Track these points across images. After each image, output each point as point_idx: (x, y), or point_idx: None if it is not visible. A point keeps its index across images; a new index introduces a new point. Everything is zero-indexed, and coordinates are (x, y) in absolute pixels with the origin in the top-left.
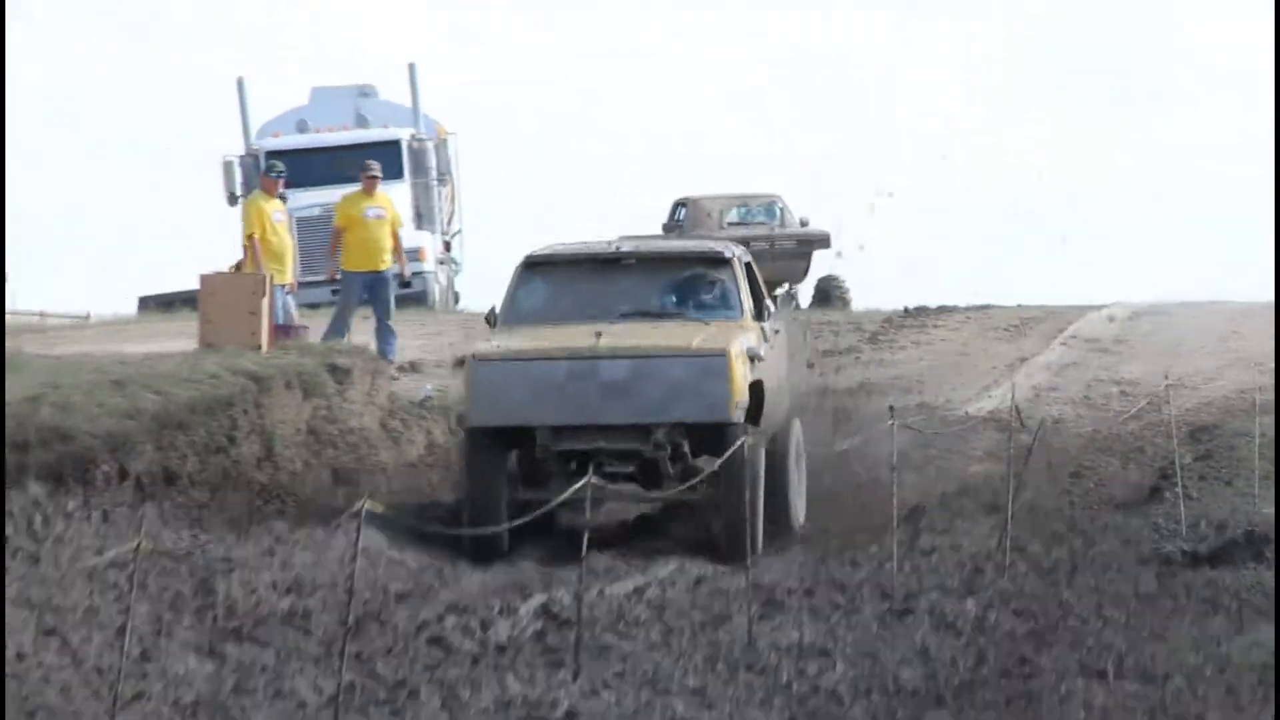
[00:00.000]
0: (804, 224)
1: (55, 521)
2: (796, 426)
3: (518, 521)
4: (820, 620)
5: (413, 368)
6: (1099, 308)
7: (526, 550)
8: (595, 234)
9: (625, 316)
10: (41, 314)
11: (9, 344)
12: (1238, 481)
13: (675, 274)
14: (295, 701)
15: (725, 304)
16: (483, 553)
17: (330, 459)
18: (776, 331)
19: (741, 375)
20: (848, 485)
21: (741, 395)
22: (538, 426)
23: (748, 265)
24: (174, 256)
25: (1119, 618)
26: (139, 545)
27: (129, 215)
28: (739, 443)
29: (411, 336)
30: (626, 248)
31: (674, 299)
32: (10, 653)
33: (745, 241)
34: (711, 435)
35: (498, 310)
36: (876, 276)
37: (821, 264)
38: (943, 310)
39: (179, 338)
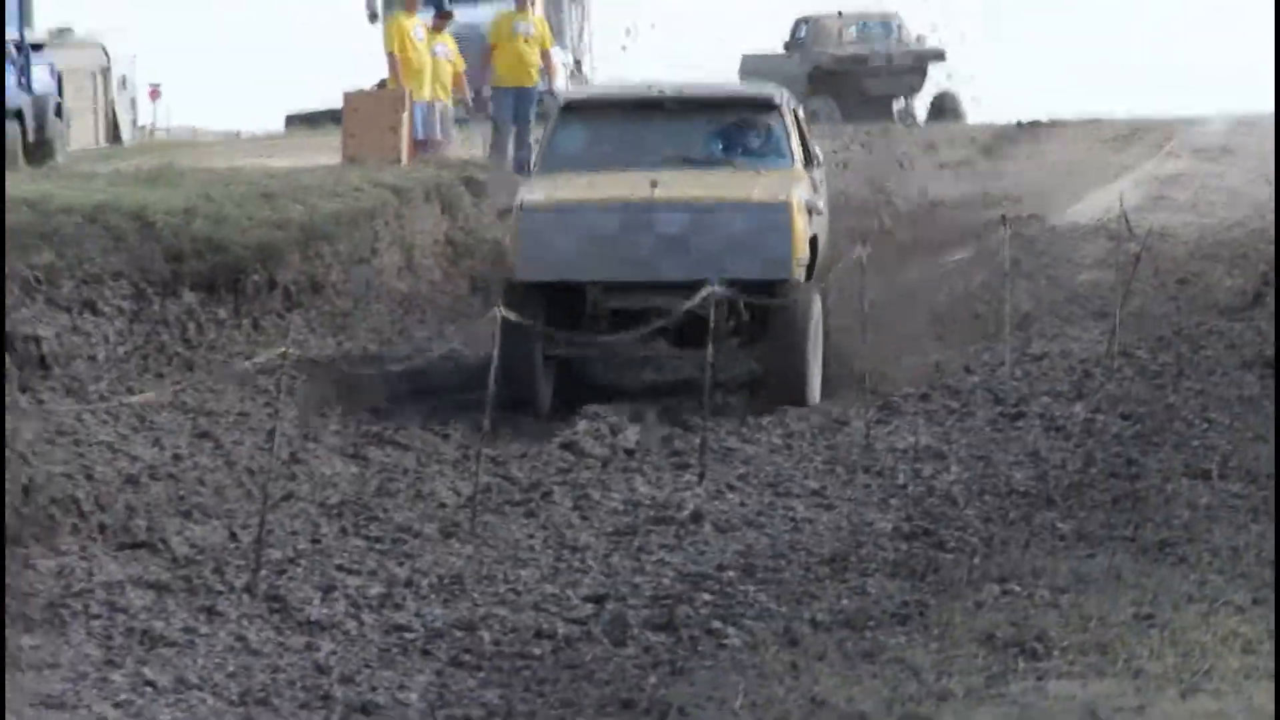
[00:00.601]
0: (920, 41)
1: (208, 329)
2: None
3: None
4: (935, 424)
5: None
6: (1205, 119)
7: (568, 410)
8: (716, 49)
9: (670, 163)
10: (195, 130)
11: (163, 158)
12: None
13: (721, 119)
14: (435, 502)
15: (775, 151)
16: (517, 410)
17: (467, 269)
18: (822, 178)
19: (803, 229)
20: (961, 294)
21: (803, 250)
22: (589, 283)
23: (795, 110)
24: (320, 76)
25: (1223, 420)
26: (286, 351)
27: (278, 38)
28: (810, 300)
29: None
30: (670, 91)
31: (720, 145)
32: (167, 454)
33: (863, 57)
34: (767, 292)
35: (533, 156)
36: (991, 91)
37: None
38: (1054, 123)
39: (324, 152)
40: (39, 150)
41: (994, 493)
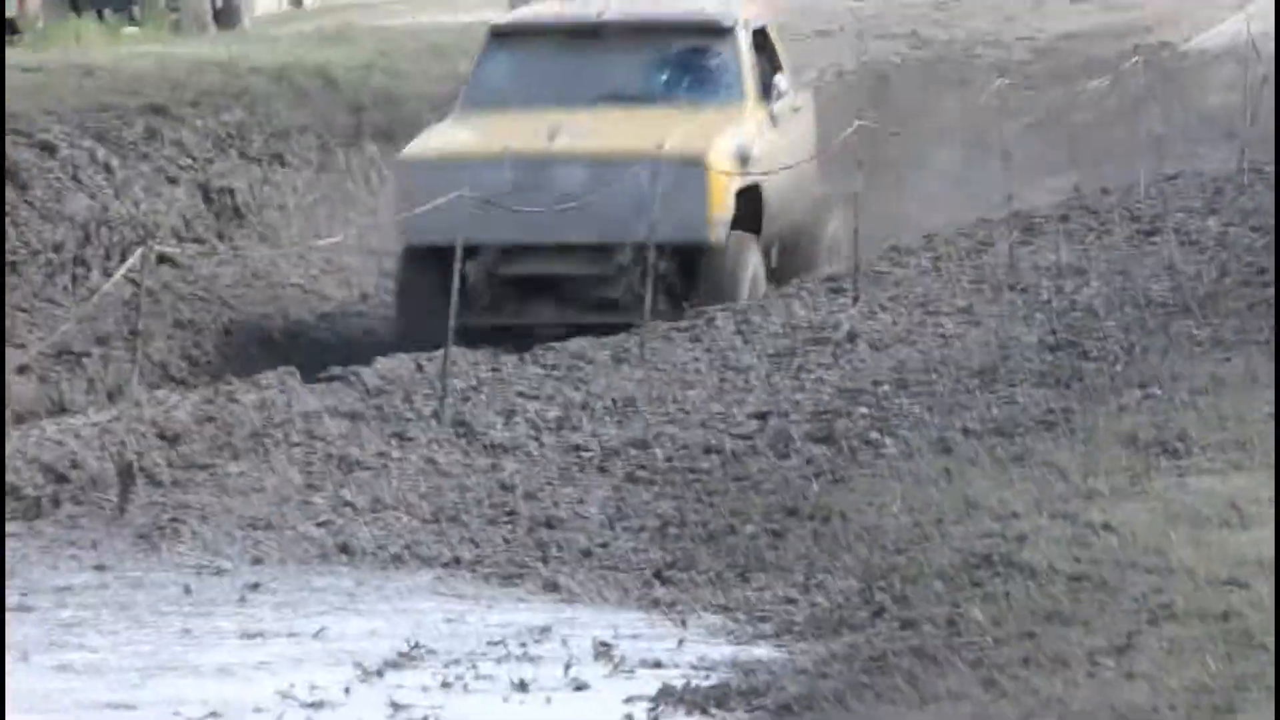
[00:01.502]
0: None
1: (389, 176)
2: (832, 226)
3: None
4: (1075, 242)
5: None
6: None
7: None
8: None
9: (604, 100)
10: None
11: (342, 19)
12: None
13: (666, 47)
14: (605, 331)
15: (724, 84)
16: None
17: None
18: (796, 109)
19: (724, 186)
20: (1100, 120)
21: (723, 209)
22: (480, 246)
23: (759, 32)
24: None
25: None
26: (463, 196)
27: None
28: (740, 258)
29: None
30: (610, 15)
31: (664, 78)
32: (355, 294)
33: None
34: (694, 253)
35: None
36: None
37: None
38: None
39: (492, 8)
40: (227, 16)
41: (1133, 304)
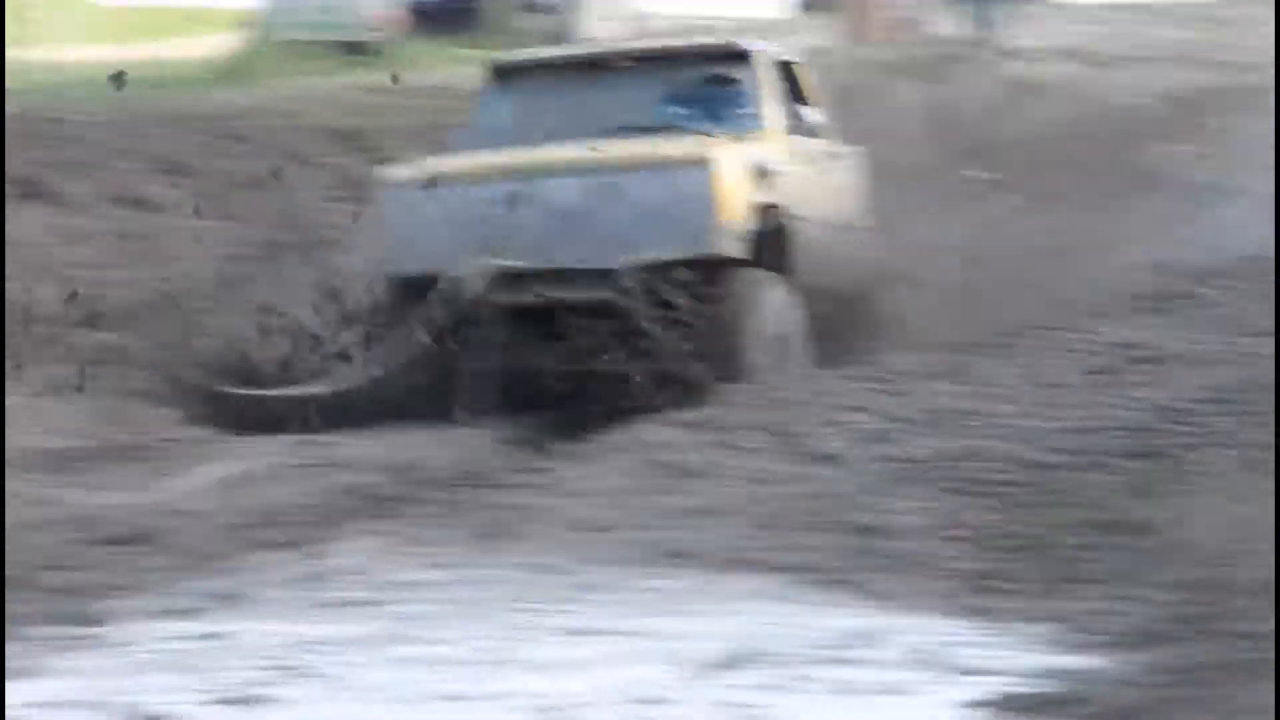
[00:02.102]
0: None
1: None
2: (890, 306)
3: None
4: None
5: (1017, 54)
6: None
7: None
8: None
9: (611, 133)
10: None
11: None
12: None
13: (678, 76)
14: (924, 346)
15: (740, 111)
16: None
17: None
18: (837, 156)
19: (737, 193)
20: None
21: (734, 218)
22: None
23: (785, 65)
24: None
25: None
26: None
27: None
28: (753, 289)
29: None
30: (618, 48)
31: (678, 109)
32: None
33: None
34: (707, 278)
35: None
36: None
37: None
38: None
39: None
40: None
41: None
